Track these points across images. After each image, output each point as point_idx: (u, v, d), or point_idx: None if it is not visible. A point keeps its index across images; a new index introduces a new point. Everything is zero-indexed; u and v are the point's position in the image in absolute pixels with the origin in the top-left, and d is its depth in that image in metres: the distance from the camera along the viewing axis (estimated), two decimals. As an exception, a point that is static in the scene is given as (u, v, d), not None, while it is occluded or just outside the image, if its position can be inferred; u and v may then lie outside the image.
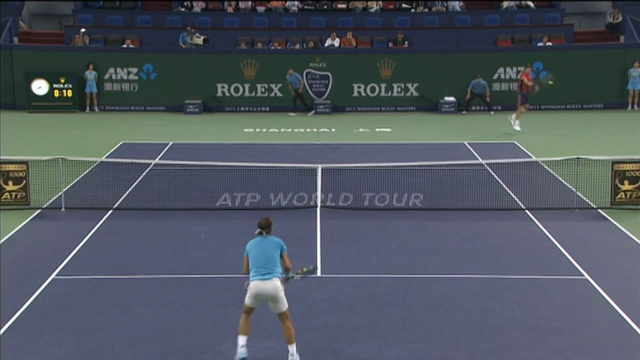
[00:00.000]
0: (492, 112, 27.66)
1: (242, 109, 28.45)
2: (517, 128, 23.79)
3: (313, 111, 27.64)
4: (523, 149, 21.51)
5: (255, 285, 9.09)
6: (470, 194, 16.22)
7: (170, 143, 22.37)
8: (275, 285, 9.06)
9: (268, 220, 9.41)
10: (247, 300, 9.22)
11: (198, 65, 28.22)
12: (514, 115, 24.22)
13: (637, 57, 27.95)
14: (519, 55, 28.60)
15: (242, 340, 9.16)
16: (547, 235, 14.13)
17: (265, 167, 17.40)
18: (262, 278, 9.05)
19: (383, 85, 28.43)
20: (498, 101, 28.37)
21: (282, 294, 9.08)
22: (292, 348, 9.12)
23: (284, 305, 9.12)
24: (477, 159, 20.04)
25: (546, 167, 18.20)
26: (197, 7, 31.65)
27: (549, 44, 29.31)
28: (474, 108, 28.23)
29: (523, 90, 24.07)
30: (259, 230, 9.37)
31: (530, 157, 20.22)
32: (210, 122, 26.49)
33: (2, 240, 13.69)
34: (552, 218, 15.06)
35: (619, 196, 15.69)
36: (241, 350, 9.12)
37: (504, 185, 17.17)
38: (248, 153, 20.77)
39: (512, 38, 30.19)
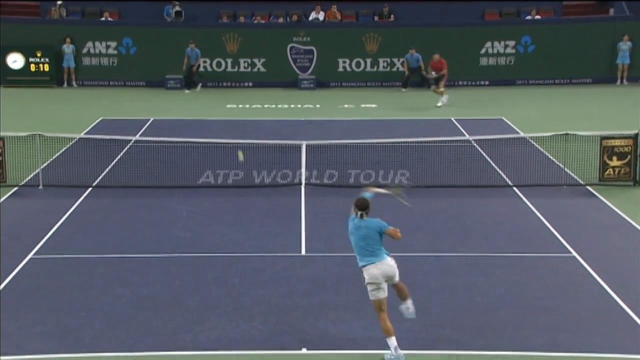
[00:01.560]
0: (432, 88, 27.43)
1: (225, 84, 28.26)
2: (441, 102, 24.50)
3: (200, 85, 27.41)
4: (511, 124, 21.55)
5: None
6: (457, 171, 16.23)
7: (151, 119, 22.22)
8: (390, 264, 9.02)
9: (366, 201, 9.16)
10: (377, 292, 8.86)
11: (179, 39, 27.96)
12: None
13: (626, 30, 27.99)
14: (506, 28, 28.57)
15: (393, 341, 8.80)
16: (534, 213, 14.18)
17: (249, 143, 17.33)
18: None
19: (369, 60, 28.32)
20: (485, 76, 28.38)
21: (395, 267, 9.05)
22: (409, 301, 9.15)
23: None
24: (464, 135, 20.06)
25: (534, 143, 18.23)
26: (178, -21, 31.28)
27: (538, 17, 29.28)
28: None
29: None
30: (361, 212, 9.09)
31: (518, 133, 20.26)
32: (192, 98, 26.31)
33: (-22, 219, 13.59)
34: (540, 195, 15.12)
35: (607, 172, 15.76)
36: (399, 353, 8.78)
37: (491, 162, 17.19)
38: (231, 129, 20.67)
39: (500, 11, 30.15)
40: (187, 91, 27.25)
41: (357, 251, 9.08)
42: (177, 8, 28.65)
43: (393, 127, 21.19)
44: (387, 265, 8.99)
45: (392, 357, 8.82)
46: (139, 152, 17.70)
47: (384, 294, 8.92)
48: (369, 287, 8.94)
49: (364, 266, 8.99)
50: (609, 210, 14.40)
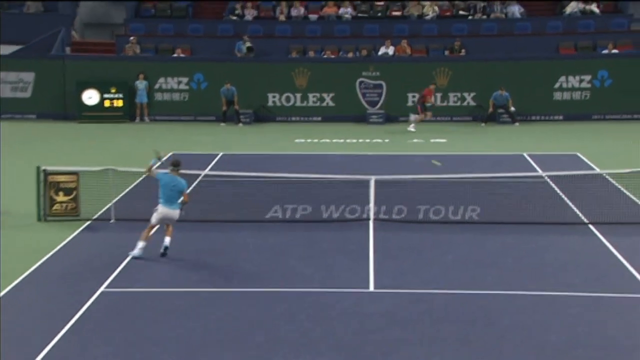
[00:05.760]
0: (516, 124, 27.22)
1: (294, 118, 28.60)
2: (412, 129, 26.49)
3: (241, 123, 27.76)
4: (586, 160, 21.15)
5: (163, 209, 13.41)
6: (530, 207, 16.00)
7: (221, 154, 22.59)
8: (175, 213, 13.50)
9: (179, 161, 13.60)
10: (155, 220, 13.50)
11: (249, 74, 28.47)
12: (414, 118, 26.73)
13: None
14: (582, 62, 28.22)
15: (142, 243, 13.39)
16: (612, 251, 13.84)
17: (317, 178, 17.43)
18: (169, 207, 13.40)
19: (439, 95, 28.26)
20: (560, 111, 28.00)
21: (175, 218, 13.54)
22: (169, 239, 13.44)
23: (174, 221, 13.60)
24: (537, 170, 19.78)
25: (611, 179, 17.85)
26: (249, 15, 31.97)
27: (615, 51, 28.79)
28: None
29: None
30: (173, 168, 13.43)
31: (593, 169, 19.87)
32: (261, 132, 26.68)
33: (52, 252, 13.97)
34: (618, 233, 14.75)
35: (689, 210, 15.30)
36: (140, 250, 13.31)
37: (565, 199, 16.90)
38: (299, 164, 20.84)
39: (575, 45, 29.75)
40: (222, 124, 27.72)
41: (162, 195, 13.30)
42: (249, 44, 29.18)
43: (463, 163, 21.04)
44: (174, 212, 13.40)
45: (135, 253, 13.27)
46: (208, 186, 17.98)
47: (156, 222, 13.51)
48: (155, 214, 13.41)
49: (161, 204, 13.35)
50: (691, 249, 13.95)
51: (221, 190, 17.50)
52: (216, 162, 21.48)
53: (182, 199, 13.56)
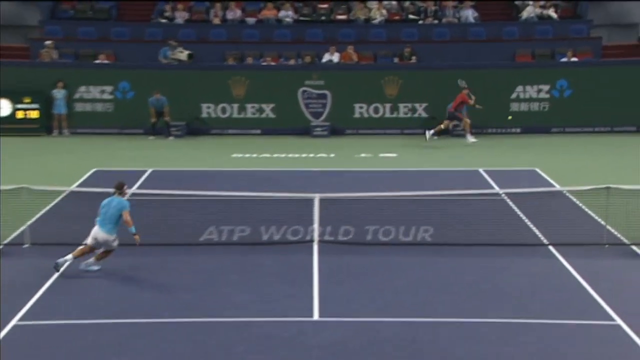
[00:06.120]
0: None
1: (230, 131, 28.55)
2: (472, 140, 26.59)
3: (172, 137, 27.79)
4: (546, 176, 21.60)
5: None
6: (486, 227, 16.26)
7: (149, 170, 22.44)
8: (106, 238, 14.00)
9: (120, 183, 14.42)
10: (89, 240, 14.08)
11: (181, 83, 28.37)
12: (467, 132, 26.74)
13: (672, 73, 28.13)
14: (540, 71, 28.81)
15: (70, 257, 13.95)
16: (573, 275, 14.14)
17: (256, 197, 17.45)
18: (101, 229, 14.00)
19: (388, 105, 28.56)
20: (517, 123, 28.51)
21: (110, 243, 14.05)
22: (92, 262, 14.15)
23: (110, 248, 14.14)
24: (493, 188, 20.11)
25: (572, 197, 18.26)
26: (180, 18, 31.88)
27: (574, 59, 29.52)
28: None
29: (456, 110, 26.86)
30: (114, 190, 14.25)
31: (553, 186, 20.30)
32: (194, 147, 26.59)
33: (-42, 280, 13.69)
34: (579, 255, 15.08)
35: (654, 230, 15.72)
36: (65, 262, 13.86)
37: (524, 218, 17.21)
38: (237, 181, 20.83)
39: (532, 52, 30.41)
40: (151, 137, 27.67)
41: (100, 215, 14.00)
42: (186, 51, 28.98)
43: (415, 179, 21.28)
44: (104, 235, 13.90)
45: (59, 260, 13.83)
46: (135, 206, 17.79)
47: (90, 242, 14.01)
48: (91, 237, 14.02)
49: (98, 225, 13.96)
50: (656, 271, 14.36)
51: (150, 211, 17.37)
52: (145, 180, 21.33)
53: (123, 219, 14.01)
